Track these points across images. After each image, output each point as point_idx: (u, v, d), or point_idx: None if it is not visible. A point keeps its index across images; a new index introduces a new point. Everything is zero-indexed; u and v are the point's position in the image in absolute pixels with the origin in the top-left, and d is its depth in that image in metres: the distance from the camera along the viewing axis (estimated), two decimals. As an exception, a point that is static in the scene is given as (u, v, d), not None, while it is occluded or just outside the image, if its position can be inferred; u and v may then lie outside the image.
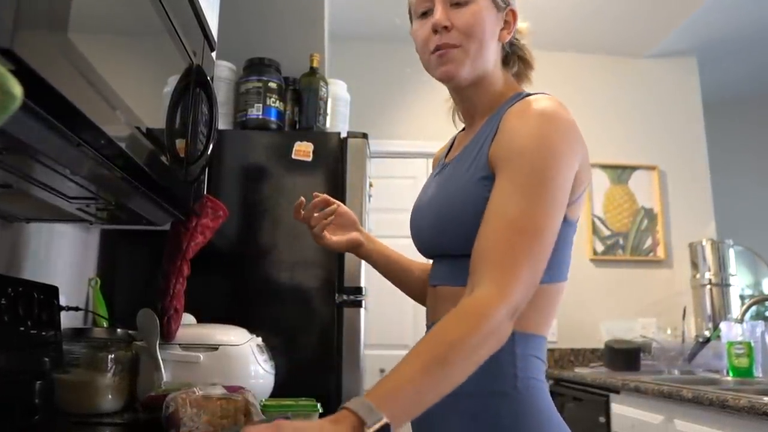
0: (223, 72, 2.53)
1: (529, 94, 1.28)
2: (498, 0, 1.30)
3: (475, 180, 1.21)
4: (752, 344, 3.02)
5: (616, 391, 3.10)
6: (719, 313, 4.04)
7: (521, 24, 1.39)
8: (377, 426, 0.86)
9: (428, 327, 1.35)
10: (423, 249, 1.37)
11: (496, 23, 1.31)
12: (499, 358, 1.08)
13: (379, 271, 1.59)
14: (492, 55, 1.32)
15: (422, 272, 1.52)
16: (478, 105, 1.35)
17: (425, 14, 1.30)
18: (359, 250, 1.57)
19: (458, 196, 1.23)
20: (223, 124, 2.48)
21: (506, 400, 1.18)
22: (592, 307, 4.27)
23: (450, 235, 1.25)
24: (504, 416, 1.17)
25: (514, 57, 1.41)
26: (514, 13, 1.34)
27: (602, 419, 3.17)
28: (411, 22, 1.37)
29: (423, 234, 1.35)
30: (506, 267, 1.04)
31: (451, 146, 1.47)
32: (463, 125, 1.48)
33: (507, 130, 1.19)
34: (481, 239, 1.10)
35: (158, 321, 1.63)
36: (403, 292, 1.60)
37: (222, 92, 2.50)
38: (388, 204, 3.79)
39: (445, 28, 1.26)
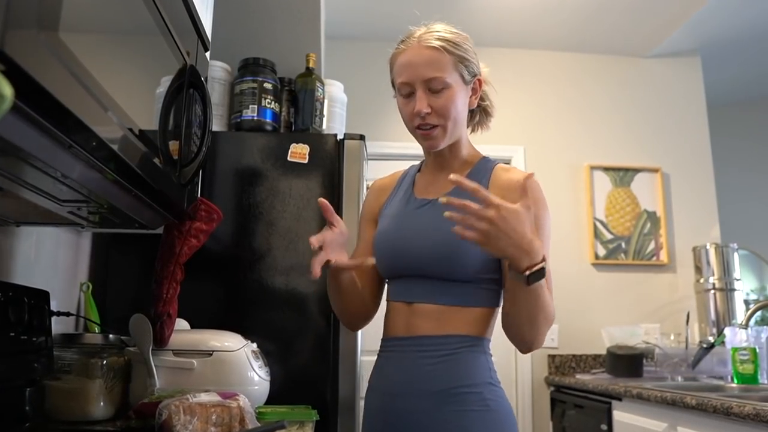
0: (217, 72, 2.53)
1: (490, 158, 1.73)
2: (465, 77, 1.63)
3: None
4: (757, 350, 3.03)
5: (619, 398, 3.10)
6: (723, 319, 4.05)
7: (484, 70, 1.72)
8: (524, 280, 1.35)
9: (404, 339, 1.60)
10: (399, 269, 1.64)
11: (466, 96, 1.65)
12: (480, 358, 1.54)
13: (343, 289, 1.70)
14: (464, 122, 1.69)
15: (364, 291, 1.75)
16: (451, 160, 1.71)
17: (408, 96, 1.61)
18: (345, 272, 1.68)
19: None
20: (217, 125, 2.48)
21: (490, 388, 1.53)
22: (594, 312, 4.27)
23: (450, 263, 1.54)
24: (490, 399, 1.52)
25: (478, 109, 1.77)
26: (480, 81, 1.69)
27: (604, 427, 3.17)
28: (393, 87, 1.68)
29: (406, 258, 1.61)
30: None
31: (413, 184, 1.77)
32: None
33: (510, 190, 1.54)
34: None
35: (151, 326, 1.63)
36: (342, 309, 1.76)
37: (216, 93, 2.50)
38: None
39: (427, 113, 1.58)
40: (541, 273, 1.35)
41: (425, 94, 1.58)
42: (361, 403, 2.29)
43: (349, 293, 1.70)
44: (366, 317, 1.78)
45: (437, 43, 1.59)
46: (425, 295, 1.58)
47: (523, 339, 1.50)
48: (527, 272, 1.34)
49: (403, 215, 1.69)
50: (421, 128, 1.61)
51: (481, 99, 1.74)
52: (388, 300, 1.71)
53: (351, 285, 1.69)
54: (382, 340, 1.69)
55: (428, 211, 1.63)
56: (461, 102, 1.62)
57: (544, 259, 1.36)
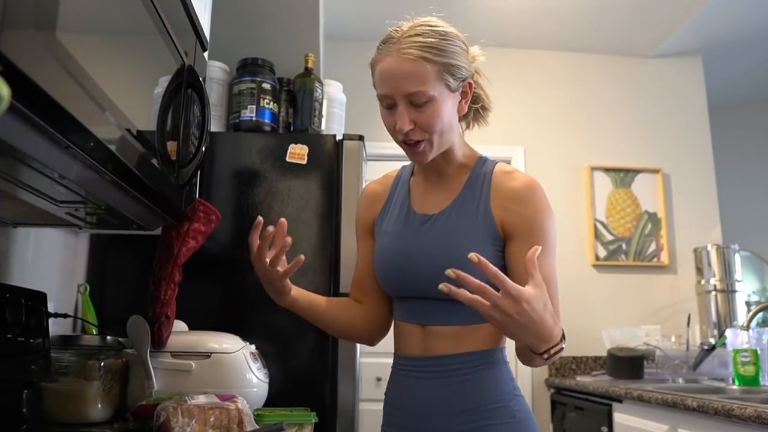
0: (215, 72, 2.54)
1: (487, 158, 1.66)
2: (451, 85, 1.50)
3: (487, 243, 1.52)
4: (759, 352, 3.03)
5: (619, 400, 3.10)
6: (725, 320, 4.05)
7: (476, 53, 1.61)
8: (562, 347, 1.32)
9: (423, 359, 1.56)
10: (407, 291, 1.60)
11: (454, 104, 1.54)
12: (502, 371, 1.54)
13: (309, 315, 1.69)
14: (455, 129, 1.59)
15: (341, 313, 1.73)
16: (445, 167, 1.63)
17: (390, 107, 1.51)
18: (287, 295, 1.64)
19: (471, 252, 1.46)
20: (215, 126, 2.48)
21: (516, 399, 1.53)
22: (594, 313, 4.27)
23: (457, 284, 1.43)
24: (517, 410, 1.51)
25: (472, 108, 1.66)
26: (470, 84, 1.56)
27: (605, 429, 3.17)
28: (376, 89, 1.55)
29: (415, 279, 1.56)
30: (556, 307, 1.44)
31: (408, 192, 1.70)
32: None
33: (512, 200, 1.53)
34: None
35: (149, 328, 1.62)
36: (337, 333, 1.80)
37: (214, 93, 2.51)
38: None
39: (410, 129, 1.48)
40: (557, 353, 1.32)
41: (407, 108, 1.48)
42: (361, 406, 2.30)
43: (321, 318, 1.69)
44: (380, 333, 1.76)
45: (418, 53, 1.45)
46: (439, 316, 1.55)
47: (535, 367, 1.52)
48: (545, 356, 1.31)
49: (405, 233, 1.63)
50: (406, 143, 1.52)
51: (473, 101, 1.63)
52: (395, 318, 1.68)
53: (314, 309, 1.68)
54: (395, 356, 1.66)
55: (431, 230, 1.58)
56: (447, 113, 1.51)
57: (563, 337, 1.33)
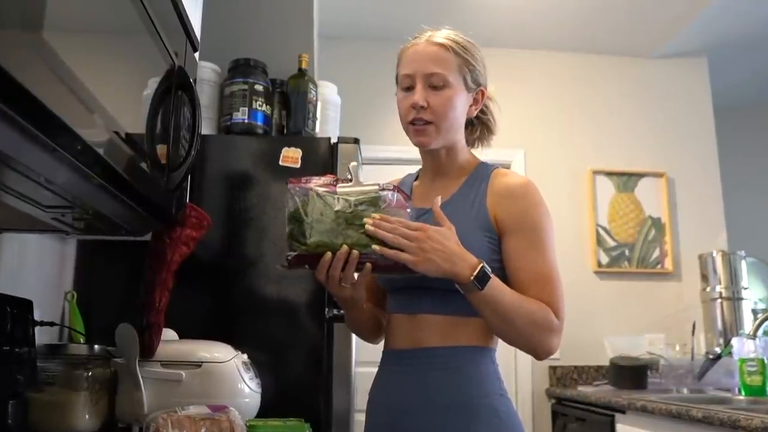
0: (206, 74, 2.54)
1: (488, 163, 1.74)
2: (469, 84, 1.67)
3: (479, 233, 1.57)
4: (765, 361, 3.03)
5: (622, 411, 3.10)
6: (731, 329, 4.05)
7: (489, 88, 1.76)
8: (476, 287, 1.42)
9: (409, 351, 1.61)
10: (401, 281, 1.61)
11: (466, 102, 1.68)
12: (488, 369, 1.57)
13: (353, 316, 1.73)
14: (461, 128, 1.71)
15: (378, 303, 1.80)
16: (448, 165, 1.72)
17: (408, 89, 1.65)
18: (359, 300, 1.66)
19: (464, 243, 1.49)
20: (206, 128, 2.48)
21: (500, 399, 1.56)
22: (597, 322, 4.27)
23: None
24: (500, 411, 1.54)
25: (479, 124, 1.80)
26: (483, 92, 1.72)
27: (608, 440, 3.17)
28: (397, 83, 1.72)
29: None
30: (556, 304, 1.54)
31: (410, 193, 1.77)
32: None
33: (506, 196, 1.61)
34: (530, 281, 1.54)
35: (138, 337, 1.62)
36: (361, 329, 1.82)
37: (205, 95, 2.51)
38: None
39: (422, 107, 1.61)
40: (484, 274, 1.43)
41: (425, 88, 1.61)
42: (356, 416, 2.30)
43: (363, 315, 1.72)
44: (382, 328, 1.79)
45: (445, 41, 1.64)
46: (428, 306, 1.59)
47: (520, 347, 1.56)
48: (472, 278, 1.42)
49: None
50: (414, 123, 1.63)
51: (482, 112, 1.77)
52: (387, 313, 1.72)
53: (362, 307, 1.69)
54: (383, 352, 1.70)
55: (427, 221, 1.58)
56: (460, 105, 1.65)
57: (481, 262, 1.44)
